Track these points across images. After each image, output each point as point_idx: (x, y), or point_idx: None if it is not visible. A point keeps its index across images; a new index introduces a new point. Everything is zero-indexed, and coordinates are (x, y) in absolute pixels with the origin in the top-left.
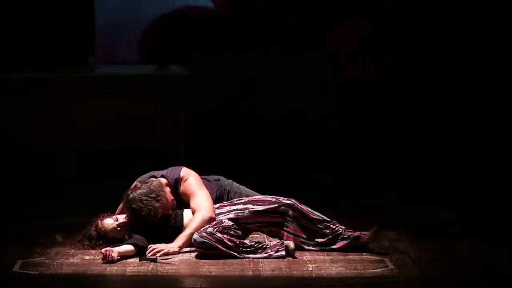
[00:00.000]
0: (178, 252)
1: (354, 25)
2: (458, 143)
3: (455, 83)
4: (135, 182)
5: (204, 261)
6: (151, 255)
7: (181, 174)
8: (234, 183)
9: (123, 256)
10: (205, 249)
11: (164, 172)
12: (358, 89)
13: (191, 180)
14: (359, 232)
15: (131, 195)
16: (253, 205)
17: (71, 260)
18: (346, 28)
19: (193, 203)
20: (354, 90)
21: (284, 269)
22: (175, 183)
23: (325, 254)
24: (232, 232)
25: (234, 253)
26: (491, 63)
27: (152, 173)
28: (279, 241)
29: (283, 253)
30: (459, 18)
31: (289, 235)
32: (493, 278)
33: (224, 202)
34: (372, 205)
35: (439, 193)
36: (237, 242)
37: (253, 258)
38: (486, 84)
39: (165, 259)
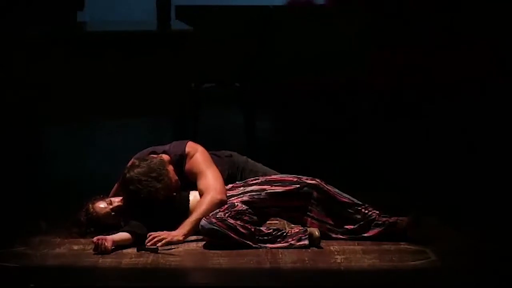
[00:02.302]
0: (183, 241)
1: None
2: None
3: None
4: (132, 160)
5: (214, 251)
6: (151, 245)
7: (186, 150)
8: (249, 160)
9: (118, 246)
10: (214, 238)
11: (166, 147)
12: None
13: (198, 156)
14: (396, 218)
15: (128, 175)
16: (271, 186)
17: (58, 250)
18: None
19: (200, 184)
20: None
21: (307, 261)
22: (180, 160)
23: (356, 244)
24: (246, 218)
25: (249, 242)
26: None
27: (152, 148)
28: (302, 228)
29: (306, 242)
30: None
31: (314, 221)
32: None
33: (237, 182)
34: (409, 194)
35: (486, 183)
36: (252, 230)
37: (271, 248)
38: None
39: (168, 249)
